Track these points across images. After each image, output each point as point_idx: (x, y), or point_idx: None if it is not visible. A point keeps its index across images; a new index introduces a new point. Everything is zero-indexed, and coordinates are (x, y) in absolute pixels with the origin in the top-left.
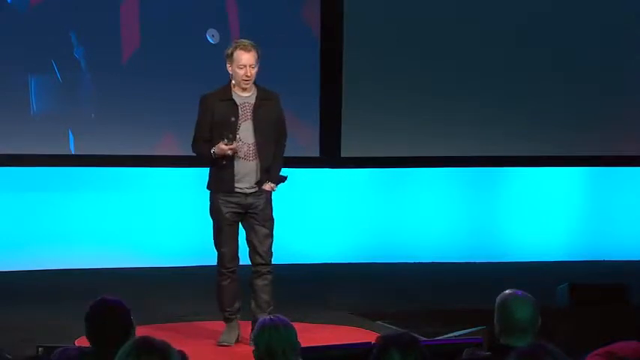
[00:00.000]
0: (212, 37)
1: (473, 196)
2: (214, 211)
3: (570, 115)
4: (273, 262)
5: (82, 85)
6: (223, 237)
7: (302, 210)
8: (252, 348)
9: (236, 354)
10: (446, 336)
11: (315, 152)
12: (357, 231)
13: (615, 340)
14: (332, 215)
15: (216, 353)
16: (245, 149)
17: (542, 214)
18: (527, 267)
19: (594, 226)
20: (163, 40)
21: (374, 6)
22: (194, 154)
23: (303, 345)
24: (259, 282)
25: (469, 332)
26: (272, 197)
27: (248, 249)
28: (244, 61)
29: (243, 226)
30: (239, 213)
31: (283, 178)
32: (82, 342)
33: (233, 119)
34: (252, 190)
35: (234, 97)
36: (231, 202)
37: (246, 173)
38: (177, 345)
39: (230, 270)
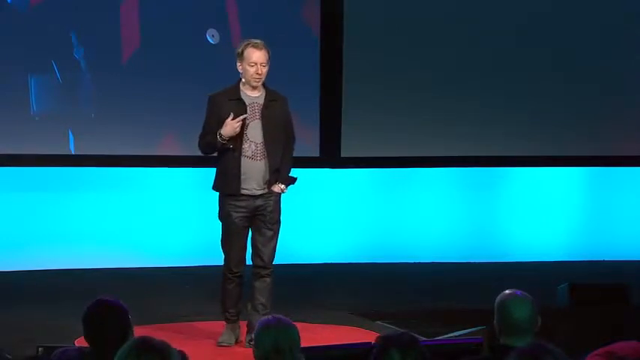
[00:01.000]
0: (212, 37)
1: (473, 196)
2: (224, 216)
3: (570, 115)
4: (273, 261)
5: (82, 85)
6: (232, 241)
7: (302, 210)
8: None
9: (236, 354)
10: (446, 336)
11: (315, 152)
12: (357, 231)
13: (615, 340)
14: (332, 215)
15: (216, 353)
16: (253, 148)
17: (542, 214)
18: (527, 267)
19: (594, 226)
20: (163, 40)
21: (374, 6)
22: (196, 154)
23: (303, 345)
24: (258, 284)
25: (469, 332)
26: (281, 199)
27: (251, 249)
28: (255, 58)
29: (250, 227)
30: (248, 217)
31: (293, 180)
32: (82, 342)
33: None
34: (261, 192)
35: (243, 96)
36: (241, 207)
37: (253, 173)
38: (177, 345)
39: (236, 275)
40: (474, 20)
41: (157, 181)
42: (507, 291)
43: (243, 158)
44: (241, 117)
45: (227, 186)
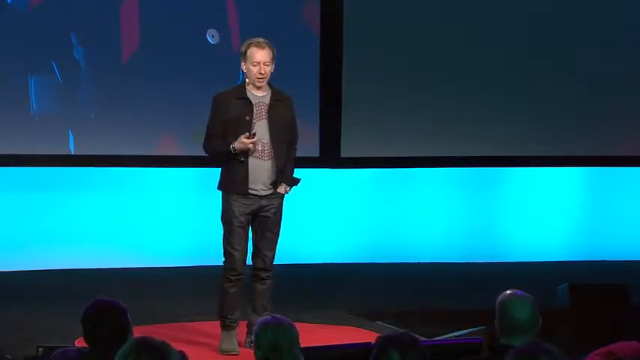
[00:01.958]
0: (212, 37)
1: (473, 196)
2: (227, 214)
3: (570, 115)
4: (273, 262)
5: (82, 85)
6: (234, 240)
7: (302, 210)
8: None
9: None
10: (446, 336)
11: (315, 152)
12: (358, 231)
13: (615, 340)
14: (332, 215)
15: (216, 353)
16: (260, 148)
17: (542, 214)
18: (527, 267)
19: (594, 226)
20: (163, 40)
21: (374, 6)
22: (196, 154)
23: (303, 345)
24: (258, 286)
25: (469, 332)
26: (283, 201)
27: (252, 250)
28: (258, 58)
29: (251, 227)
30: (251, 217)
31: (297, 181)
32: (82, 342)
33: (247, 118)
34: (267, 192)
35: (249, 96)
36: (245, 205)
37: (260, 173)
38: (177, 345)
39: (237, 277)
40: (474, 20)
41: (156, 181)
42: (508, 291)
43: (250, 158)
44: (255, 139)
45: (234, 186)
